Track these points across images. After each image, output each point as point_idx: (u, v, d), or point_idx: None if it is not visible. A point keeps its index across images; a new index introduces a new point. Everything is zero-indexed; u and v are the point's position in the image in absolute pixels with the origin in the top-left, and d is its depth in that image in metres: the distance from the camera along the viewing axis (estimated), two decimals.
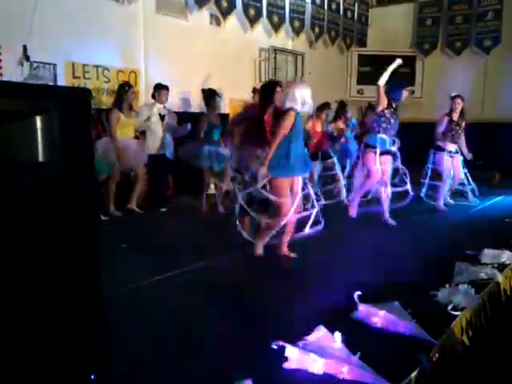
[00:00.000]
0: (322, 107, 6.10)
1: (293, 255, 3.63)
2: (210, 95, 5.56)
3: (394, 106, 4.87)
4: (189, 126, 5.53)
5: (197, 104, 6.71)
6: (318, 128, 6.03)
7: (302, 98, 3.48)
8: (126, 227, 4.68)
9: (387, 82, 4.88)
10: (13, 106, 1.21)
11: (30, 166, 1.29)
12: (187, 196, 6.00)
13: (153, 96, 5.55)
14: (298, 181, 3.63)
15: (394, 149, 4.95)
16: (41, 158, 1.29)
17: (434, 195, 5.87)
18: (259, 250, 3.64)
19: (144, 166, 5.39)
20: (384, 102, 4.82)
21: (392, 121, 4.82)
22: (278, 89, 3.65)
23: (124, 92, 5.10)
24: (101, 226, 1.56)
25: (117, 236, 4.01)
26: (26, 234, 1.25)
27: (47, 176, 1.31)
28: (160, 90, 5.49)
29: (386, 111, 4.84)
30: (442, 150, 5.88)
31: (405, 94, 5.01)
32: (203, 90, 5.75)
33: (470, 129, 5.92)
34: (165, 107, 5.61)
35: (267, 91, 3.72)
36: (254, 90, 6.15)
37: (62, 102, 1.27)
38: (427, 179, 6.02)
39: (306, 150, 3.93)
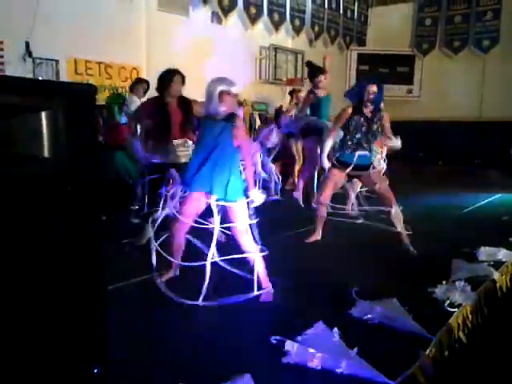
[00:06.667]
0: None
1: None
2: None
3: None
4: None
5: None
6: None
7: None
8: None
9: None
10: (18, 100, 1.22)
11: (35, 161, 1.30)
12: None
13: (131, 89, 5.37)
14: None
15: None
16: (46, 153, 1.31)
17: None
18: None
19: None
20: None
21: None
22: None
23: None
24: None
25: None
26: (30, 228, 1.27)
27: (52, 171, 1.32)
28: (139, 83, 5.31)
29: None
30: None
31: None
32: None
33: (468, 128, 5.94)
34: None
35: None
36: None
37: (68, 98, 1.28)
38: None
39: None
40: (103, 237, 1.48)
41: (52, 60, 5.36)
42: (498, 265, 3.32)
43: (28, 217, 1.24)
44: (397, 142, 3.95)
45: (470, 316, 2.61)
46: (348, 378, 1.91)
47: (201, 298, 2.57)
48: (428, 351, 2.12)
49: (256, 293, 2.67)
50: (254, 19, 8.04)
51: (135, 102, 5.33)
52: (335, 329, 2.17)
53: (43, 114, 1.25)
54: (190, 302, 2.58)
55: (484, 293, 2.86)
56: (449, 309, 2.57)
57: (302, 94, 6.59)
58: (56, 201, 1.30)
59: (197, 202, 2.74)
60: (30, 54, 5.13)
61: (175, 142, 3.66)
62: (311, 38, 9.49)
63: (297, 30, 9.00)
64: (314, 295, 2.81)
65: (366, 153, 3.83)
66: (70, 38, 5.39)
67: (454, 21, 10.17)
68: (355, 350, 2.03)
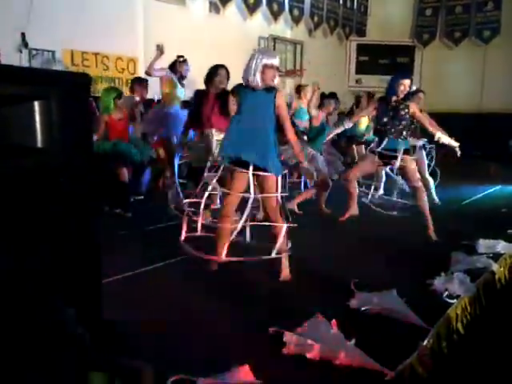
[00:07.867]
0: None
1: None
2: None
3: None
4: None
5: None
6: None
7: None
8: None
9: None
10: (11, 90, 1.20)
11: (28, 151, 1.28)
12: None
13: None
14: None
15: None
16: (39, 144, 1.29)
17: None
18: None
19: None
20: None
21: None
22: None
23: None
24: None
25: None
26: (23, 219, 1.25)
27: (45, 161, 1.30)
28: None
29: None
30: None
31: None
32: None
33: (468, 119, 5.89)
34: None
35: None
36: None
37: (61, 87, 1.26)
38: None
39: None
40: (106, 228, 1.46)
41: (48, 51, 5.33)
42: (497, 257, 3.31)
43: (20, 207, 1.22)
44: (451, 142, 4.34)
45: (468, 307, 2.61)
46: (346, 369, 1.91)
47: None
48: (426, 342, 2.12)
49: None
50: (252, 9, 7.96)
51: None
52: (334, 320, 2.17)
53: (36, 104, 1.23)
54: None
55: (483, 284, 2.86)
56: (447, 300, 2.57)
57: (310, 89, 6.50)
58: (50, 191, 1.28)
59: (240, 180, 2.86)
60: (26, 45, 5.11)
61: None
62: (310, 28, 9.41)
63: (296, 20, 8.92)
64: (313, 286, 2.81)
65: (396, 139, 3.93)
66: (66, 29, 5.34)
67: (454, 11, 10.10)
68: (353, 340, 2.03)
